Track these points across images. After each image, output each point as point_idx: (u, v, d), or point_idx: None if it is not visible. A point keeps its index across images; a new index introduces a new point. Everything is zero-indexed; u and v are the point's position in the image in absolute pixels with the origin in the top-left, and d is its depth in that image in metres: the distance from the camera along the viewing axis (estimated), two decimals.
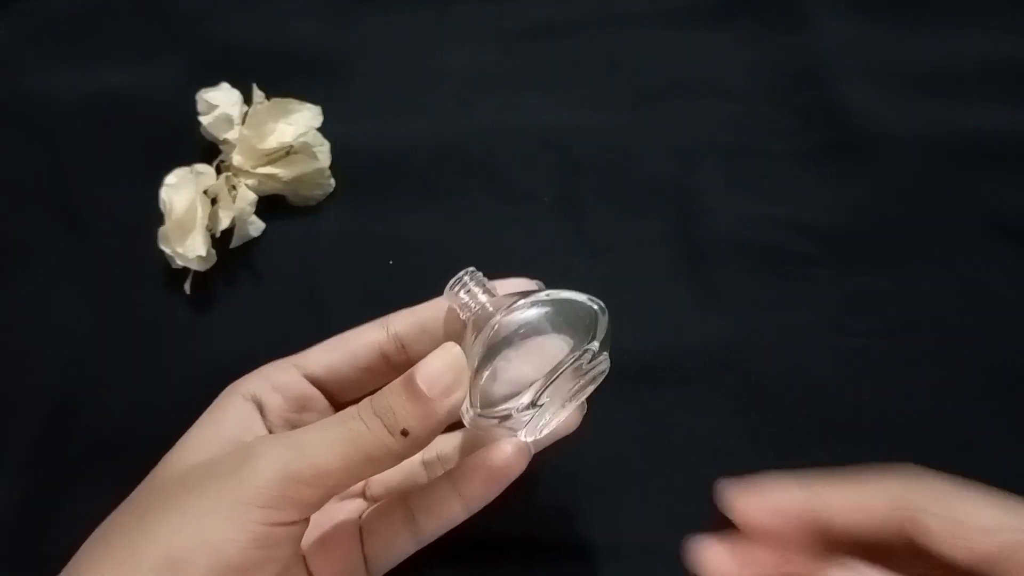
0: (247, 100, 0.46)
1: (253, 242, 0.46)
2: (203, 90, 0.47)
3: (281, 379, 0.34)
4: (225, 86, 0.47)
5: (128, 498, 0.31)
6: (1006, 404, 0.40)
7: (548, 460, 0.40)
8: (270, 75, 0.47)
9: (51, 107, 0.51)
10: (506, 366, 0.31)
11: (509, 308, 0.31)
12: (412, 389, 0.29)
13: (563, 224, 0.46)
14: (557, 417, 0.33)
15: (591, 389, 0.33)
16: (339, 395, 0.35)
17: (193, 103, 0.47)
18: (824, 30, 0.51)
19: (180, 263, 0.43)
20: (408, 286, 0.44)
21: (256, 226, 0.45)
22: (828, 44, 0.50)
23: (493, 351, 0.31)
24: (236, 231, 0.45)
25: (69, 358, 0.43)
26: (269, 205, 0.46)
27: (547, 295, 0.32)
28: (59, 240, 0.47)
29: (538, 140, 0.49)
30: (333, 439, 0.29)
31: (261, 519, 0.27)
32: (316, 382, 0.35)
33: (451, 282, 0.34)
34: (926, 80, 0.49)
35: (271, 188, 0.46)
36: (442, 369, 0.30)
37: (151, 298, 0.45)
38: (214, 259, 0.44)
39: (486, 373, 0.31)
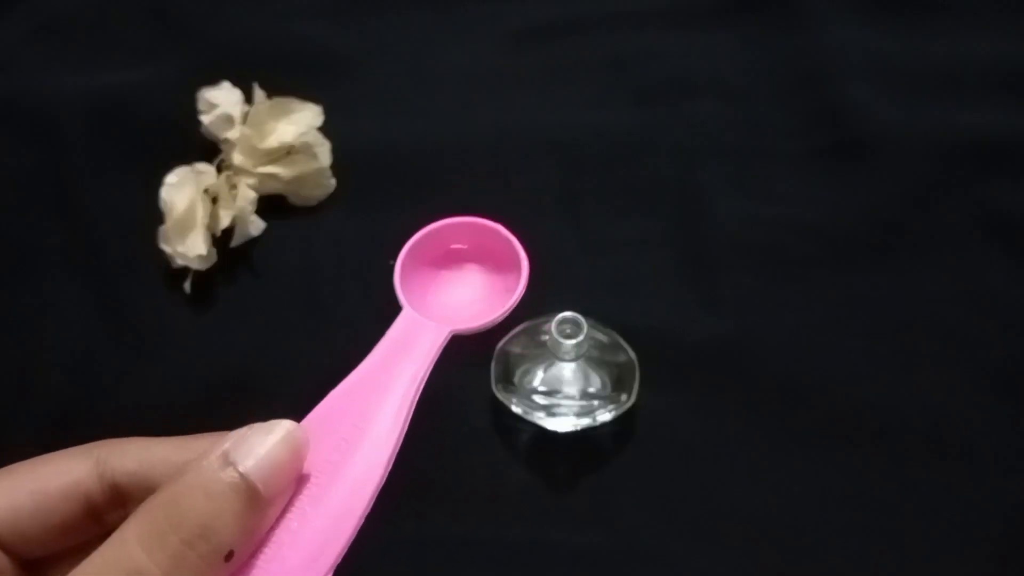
0: (248, 99, 0.46)
1: (253, 241, 0.46)
2: (204, 89, 0.47)
3: None
4: (226, 85, 0.47)
5: None
6: (1006, 404, 0.40)
7: (548, 461, 0.40)
8: (271, 74, 0.47)
9: (51, 107, 0.51)
10: (560, 368, 0.39)
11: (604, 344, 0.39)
12: (256, 503, 0.22)
13: (563, 224, 0.46)
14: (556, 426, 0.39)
15: (588, 423, 0.39)
16: (14, 549, 0.25)
17: (194, 102, 0.47)
18: (826, 30, 0.51)
19: (180, 262, 0.43)
20: None
21: (256, 225, 0.45)
22: (830, 44, 0.50)
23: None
24: (236, 230, 0.45)
25: (69, 358, 0.43)
26: (269, 205, 0.46)
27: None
28: (59, 240, 0.47)
29: (538, 140, 0.49)
30: None
31: None
32: None
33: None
34: (927, 80, 0.49)
35: (272, 187, 0.46)
36: (290, 464, 0.23)
37: (151, 298, 0.45)
38: (214, 258, 0.44)
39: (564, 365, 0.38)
